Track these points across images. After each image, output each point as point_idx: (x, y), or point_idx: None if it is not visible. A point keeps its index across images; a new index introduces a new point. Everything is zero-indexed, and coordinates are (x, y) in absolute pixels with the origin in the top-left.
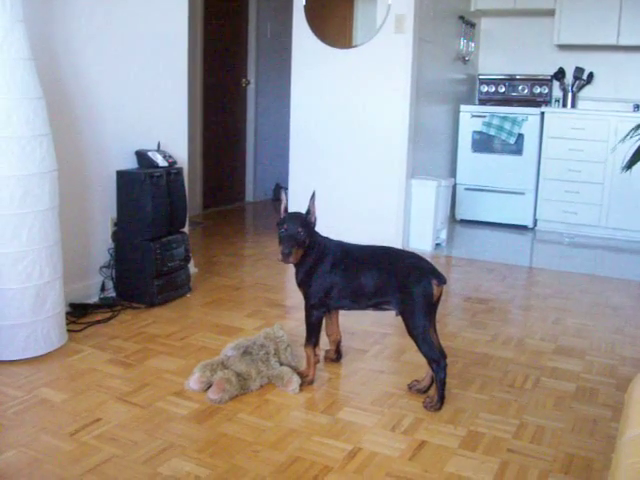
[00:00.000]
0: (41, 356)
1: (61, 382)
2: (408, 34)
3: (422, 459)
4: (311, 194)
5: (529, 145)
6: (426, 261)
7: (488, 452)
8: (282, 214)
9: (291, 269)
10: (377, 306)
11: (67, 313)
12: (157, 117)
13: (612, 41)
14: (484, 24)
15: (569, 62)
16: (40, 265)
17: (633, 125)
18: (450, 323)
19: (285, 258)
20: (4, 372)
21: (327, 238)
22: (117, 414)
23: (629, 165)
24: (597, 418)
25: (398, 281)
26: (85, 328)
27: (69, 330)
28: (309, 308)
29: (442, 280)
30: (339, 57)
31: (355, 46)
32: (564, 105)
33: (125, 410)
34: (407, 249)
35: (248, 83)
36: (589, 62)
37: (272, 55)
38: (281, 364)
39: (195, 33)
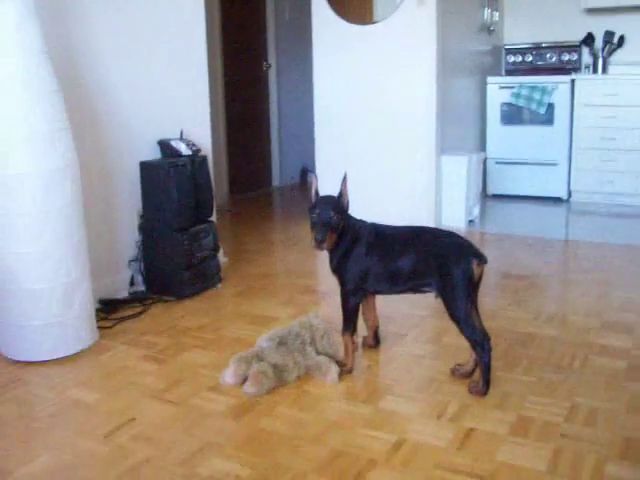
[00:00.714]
0: (72, 355)
1: (93, 382)
2: (431, 6)
3: (471, 448)
4: (343, 176)
5: (560, 114)
6: (465, 240)
7: (540, 438)
8: (313, 198)
9: (324, 253)
10: (416, 289)
11: (97, 310)
12: (178, 105)
13: None
14: None
15: (598, 26)
16: (66, 263)
17: None
18: (490, 302)
19: (319, 245)
20: (36, 373)
21: (361, 220)
22: (152, 413)
23: None
24: None
25: (437, 262)
26: (116, 324)
27: (100, 327)
28: (345, 294)
29: (483, 259)
30: (361, 34)
31: (377, 22)
32: (595, 71)
33: (160, 408)
34: (440, 227)
35: (269, 66)
36: (619, 25)
37: (292, 37)
38: (318, 353)
39: (213, 18)
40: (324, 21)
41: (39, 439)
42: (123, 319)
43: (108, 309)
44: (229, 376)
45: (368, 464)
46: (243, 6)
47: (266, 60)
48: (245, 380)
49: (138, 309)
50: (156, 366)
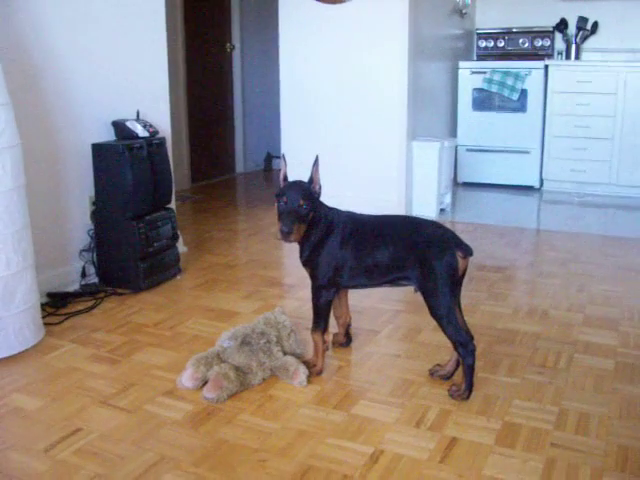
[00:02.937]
0: (13, 356)
1: (36, 386)
2: None
3: (455, 460)
4: (314, 160)
5: (533, 101)
6: (449, 230)
7: (529, 448)
8: (281, 183)
9: (292, 243)
10: (394, 282)
11: (44, 304)
12: (135, 84)
13: None
14: None
15: (571, 12)
16: (6, 253)
17: None
18: (466, 295)
19: (286, 237)
20: None
21: (334, 209)
22: (100, 422)
23: None
24: None
25: (418, 254)
26: (64, 320)
27: (46, 324)
28: (317, 289)
29: (469, 251)
30: (330, 13)
31: (346, 0)
32: (567, 58)
33: (109, 417)
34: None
35: (233, 48)
36: (593, 11)
37: (257, 18)
38: (285, 353)
39: None
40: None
41: None
42: (73, 314)
43: (56, 303)
44: (187, 379)
45: None
46: None
47: (230, 41)
48: (204, 384)
49: (89, 303)
50: (107, 367)
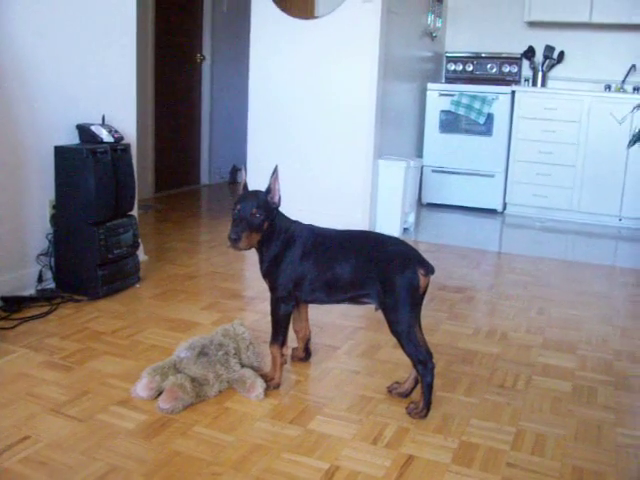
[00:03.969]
0: None
1: None
2: (376, 3)
3: (411, 478)
4: (273, 169)
5: (499, 125)
6: (411, 247)
7: (486, 468)
8: (241, 193)
9: (253, 255)
10: (354, 299)
11: None
12: (102, 88)
13: (584, 18)
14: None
15: (539, 40)
16: None
17: (606, 105)
18: (427, 315)
19: (233, 244)
20: None
21: (296, 221)
22: (50, 430)
23: (634, 142)
24: (600, 423)
25: (379, 271)
26: (18, 325)
27: None
28: (276, 302)
29: (430, 270)
30: (301, 29)
31: (318, 17)
32: (534, 84)
33: (60, 425)
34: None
35: (203, 59)
36: (560, 40)
37: (229, 29)
38: (242, 366)
39: (146, 2)
40: (263, 13)
41: None
42: (27, 319)
43: (10, 308)
44: (142, 389)
45: None
46: None
47: (200, 52)
48: (160, 394)
49: (45, 309)
50: (60, 374)
